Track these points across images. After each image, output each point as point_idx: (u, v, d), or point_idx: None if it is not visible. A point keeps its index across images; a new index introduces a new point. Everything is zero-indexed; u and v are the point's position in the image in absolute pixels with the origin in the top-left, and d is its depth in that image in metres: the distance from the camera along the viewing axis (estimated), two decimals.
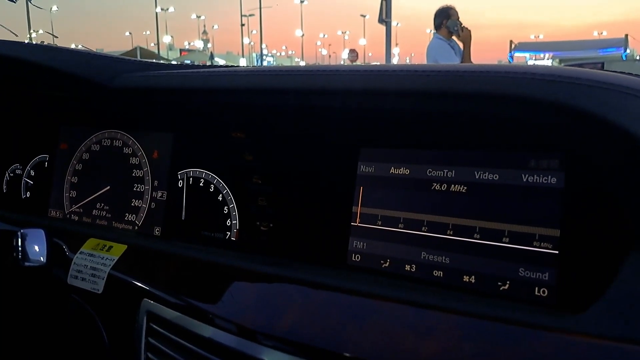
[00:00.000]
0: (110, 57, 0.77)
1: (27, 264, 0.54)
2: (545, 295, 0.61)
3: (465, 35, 3.87)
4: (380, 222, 0.76)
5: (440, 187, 0.71)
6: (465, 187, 0.69)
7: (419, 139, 0.74)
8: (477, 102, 0.57)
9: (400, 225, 0.74)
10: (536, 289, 0.62)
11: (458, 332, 0.45)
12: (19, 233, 0.55)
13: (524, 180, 0.65)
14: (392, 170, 0.76)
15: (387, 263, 0.74)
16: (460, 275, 0.68)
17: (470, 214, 0.69)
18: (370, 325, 0.46)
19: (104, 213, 0.95)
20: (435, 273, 0.70)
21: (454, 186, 0.70)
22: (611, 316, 0.42)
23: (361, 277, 0.63)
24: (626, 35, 19.84)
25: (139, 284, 0.63)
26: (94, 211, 0.96)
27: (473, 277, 0.67)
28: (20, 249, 0.54)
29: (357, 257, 0.77)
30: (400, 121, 0.74)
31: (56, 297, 0.73)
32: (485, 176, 0.68)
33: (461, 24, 3.81)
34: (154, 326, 0.58)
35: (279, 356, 0.47)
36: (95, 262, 0.69)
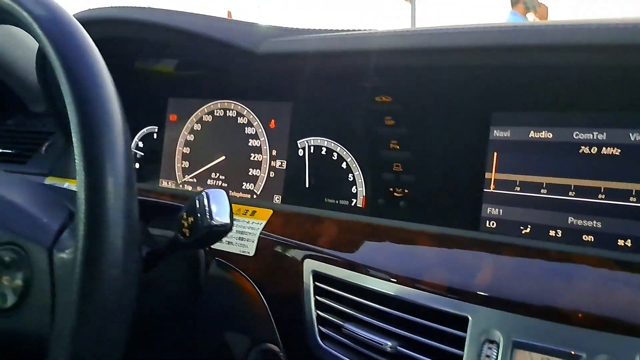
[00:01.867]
0: (247, 23, 0.77)
1: (213, 222, 0.55)
2: None
3: (542, 11, 3.71)
4: (518, 188, 0.75)
5: (590, 150, 0.70)
6: (619, 150, 0.68)
7: (563, 101, 0.72)
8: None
9: (542, 191, 0.73)
10: None
11: None
12: (204, 193, 0.56)
13: None
14: (532, 134, 0.75)
15: (528, 229, 0.74)
16: (614, 240, 0.67)
17: (625, 177, 0.68)
18: (577, 280, 0.46)
19: (220, 183, 0.96)
20: (585, 238, 0.69)
21: (606, 149, 0.69)
22: None
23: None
24: None
25: (297, 246, 0.64)
26: (209, 181, 0.98)
27: (629, 240, 0.66)
28: (207, 208, 0.55)
29: (492, 224, 0.77)
30: (541, 83, 0.73)
31: (196, 261, 0.75)
32: None
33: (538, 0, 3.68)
34: (321, 285, 0.59)
35: (484, 312, 0.48)
36: (240, 226, 0.71)
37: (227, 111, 0.97)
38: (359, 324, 0.55)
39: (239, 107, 0.96)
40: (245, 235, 0.70)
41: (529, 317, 0.45)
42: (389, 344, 0.51)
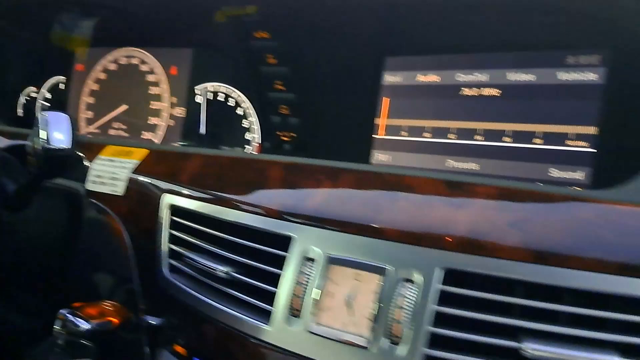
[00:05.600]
0: None
1: (51, 146, 0.52)
2: None
3: None
4: (405, 133, 0.73)
5: (471, 92, 0.69)
6: (499, 91, 0.67)
7: (448, 42, 0.71)
8: None
9: (426, 135, 0.72)
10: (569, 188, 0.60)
11: (493, 203, 0.43)
12: (42, 114, 0.53)
13: (560, 78, 0.63)
14: (420, 77, 0.73)
15: None
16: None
17: (502, 118, 0.67)
18: (401, 199, 0.45)
19: (122, 132, 0.94)
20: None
21: (486, 90, 0.68)
22: None
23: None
24: None
25: (160, 183, 0.62)
26: (111, 131, 0.95)
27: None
28: (45, 131, 0.52)
29: None
30: (427, 24, 0.71)
31: (73, 203, 0.72)
32: (519, 78, 0.65)
33: None
34: (177, 219, 0.57)
35: (308, 231, 0.46)
36: (114, 167, 0.68)
37: (131, 59, 0.94)
38: (202, 253, 0.53)
39: (143, 54, 0.93)
40: (116, 174, 0.68)
41: (348, 234, 0.44)
42: (223, 269, 0.50)
